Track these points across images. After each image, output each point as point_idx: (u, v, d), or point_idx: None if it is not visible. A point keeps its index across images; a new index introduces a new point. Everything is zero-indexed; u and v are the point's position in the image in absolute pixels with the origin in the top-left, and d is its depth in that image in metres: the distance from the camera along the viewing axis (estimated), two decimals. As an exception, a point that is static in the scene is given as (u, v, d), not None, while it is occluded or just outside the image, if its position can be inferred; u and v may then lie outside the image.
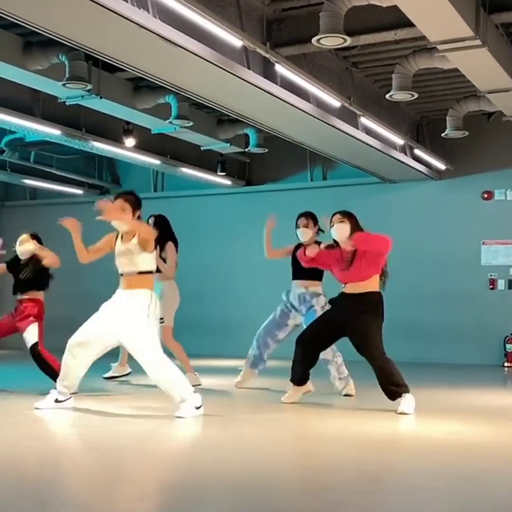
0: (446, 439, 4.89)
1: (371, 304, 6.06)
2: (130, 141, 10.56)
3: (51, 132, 9.73)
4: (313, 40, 6.49)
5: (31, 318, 6.89)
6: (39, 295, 7.10)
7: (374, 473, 3.83)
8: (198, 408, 5.54)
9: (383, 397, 5.96)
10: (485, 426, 5.47)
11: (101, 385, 7.73)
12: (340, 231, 6.14)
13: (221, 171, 12.36)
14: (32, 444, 4.58)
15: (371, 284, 6.11)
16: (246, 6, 6.97)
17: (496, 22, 7.16)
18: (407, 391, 5.90)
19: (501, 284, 11.56)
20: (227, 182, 12.89)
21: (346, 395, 6.97)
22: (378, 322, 6.10)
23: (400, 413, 5.76)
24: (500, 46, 7.38)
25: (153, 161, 11.65)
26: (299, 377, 6.36)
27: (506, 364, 11.12)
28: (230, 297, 12.89)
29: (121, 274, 5.78)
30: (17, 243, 7.15)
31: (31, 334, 6.86)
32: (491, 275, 11.61)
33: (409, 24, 6.57)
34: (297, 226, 7.16)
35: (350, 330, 6.02)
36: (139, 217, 5.81)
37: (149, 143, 11.19)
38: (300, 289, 7.20)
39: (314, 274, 7.04)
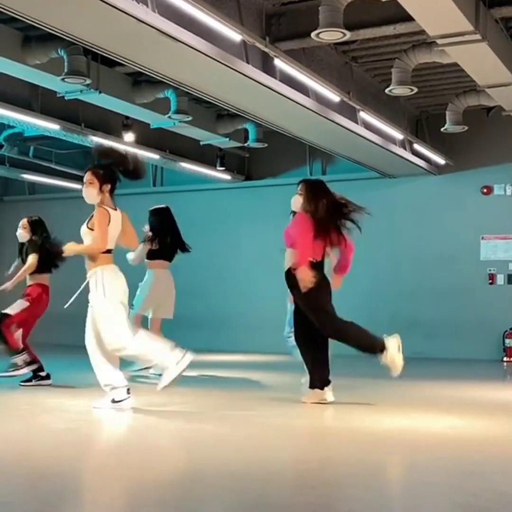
0: (445, 434, 4.90)
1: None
2: (129, 136, 10.55)
3: (50, 126, 9.71)
4: (313, 34, 6.48)
5: (27, 297, 6.99)
6: (42, 278, 7.09)
7: (374, 468, 3.84)
8: (117, 402, 5.50)
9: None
10: (484, 421, 5.48)
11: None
12: (294, 203, 6.24)
13: (221, 166, 12.35)
14: (35, 439, 4.59)
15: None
16: (245, 0, 6.96)
17: (496, 16, 7.15)
18: None
19: (500, 279, 11.56)
20: (227, 176, 12.88)
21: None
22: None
23: None
24: (499, 40, 7.37)
25: (153, 155, 11.63)
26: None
27: (505, 359, 11.13)
28: (229, 292, 12.89)
29: None
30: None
31: (13, 306, 6.94)
32: (490, 270, 11.61)
33: (409, 19, 6.56)
34: None
35: None
36: (112, 191, 5.65)
37: (148, 137, 11.17)
38: None
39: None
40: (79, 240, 5.70)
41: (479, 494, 3.30)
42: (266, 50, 7.06)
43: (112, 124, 10.59)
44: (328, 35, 6.52)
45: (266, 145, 11.25)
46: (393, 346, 5.78)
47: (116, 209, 5.66)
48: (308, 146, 11.78)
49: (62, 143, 11.57)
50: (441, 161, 11.70)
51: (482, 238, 11.67)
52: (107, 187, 5.60)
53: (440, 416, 5.63)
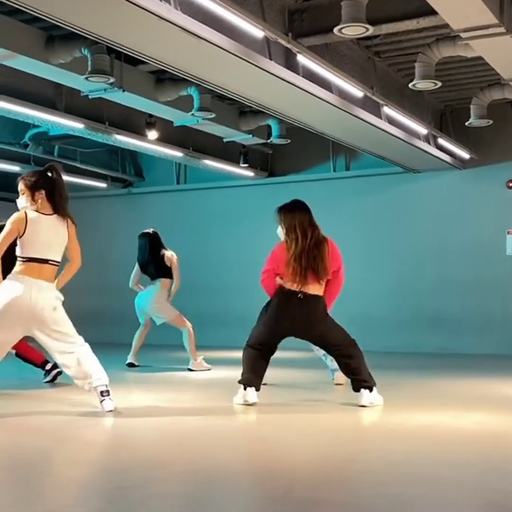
0: (470, 430, 4.87)
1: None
2: (152, 134, 10.59)
3: (74, 125, 9.78)
4: (335, 29, 6.46)
5: None
6: None
7: (399, 464, 3.83)
8: None
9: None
10: (510, 417, 5.44)
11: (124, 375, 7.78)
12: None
13: (244, 163, 12.36)
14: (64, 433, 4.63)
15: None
16: (267, -3, 6.95)
17: (521, 8, 7.07)
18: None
19: (526, 273, 11.46)
20: (250, 173, 12.89)
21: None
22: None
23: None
24: (524, 33, 7.29)
25: (176, 153, 11.67)
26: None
27: (532, 354, 11.04)
28: (253, 289, 12.88)
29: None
30: None
31: None
32: (516, 265, 11.51)
33: (432, 12, 6.51)
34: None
35: None
36: (48, 196, 5.26)
37: (172, 135, 11.21)
38: None
39: None
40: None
41: (505, 490, 3.28)
42: (288, 46, 7.05)
43: (135, 122, 10.64)
44: (351, 30, 6.49)
45: (289, 141, 11.23)
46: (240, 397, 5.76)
47: (53, 215, 5.28)
48: (331, 142, 11.75)
49: (87, 142, 11.64)
50: (465, 155, 11.62)
51: (508, 232, 11.57)
52: (41, 193, 5.26)
53: (466, 412, 5.59)
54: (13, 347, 6.87)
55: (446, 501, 3.15)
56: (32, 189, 5.27)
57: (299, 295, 5.76)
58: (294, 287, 5.77)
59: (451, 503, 3.12)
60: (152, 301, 8.77)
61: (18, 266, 5.17)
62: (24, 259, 5.16)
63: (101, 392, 5.25)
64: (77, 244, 5.44)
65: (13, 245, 6.30)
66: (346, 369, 5.88)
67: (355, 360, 5.80)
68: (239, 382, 5.83)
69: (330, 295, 5.98)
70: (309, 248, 5.81)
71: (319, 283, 5.82)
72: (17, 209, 5.31)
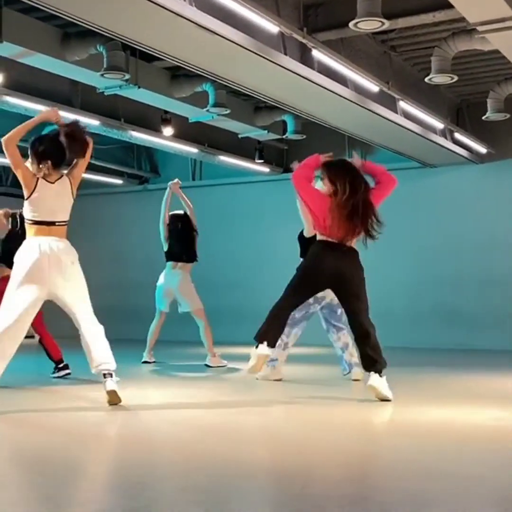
0: (488, 426, 4.84)
1: None
2: (168, 130, 10.61)
3: (90, 122, 9.80)
4: (351, 24, 6.44)
5: None
6: (7, 271, 6.60)
7: (416, 459, 3.81)
8: None
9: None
10: (529, 412, 5.41)
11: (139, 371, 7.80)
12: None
13: (259, 159, 12.36)
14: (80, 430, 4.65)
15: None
16: (282, -8, 6.94)
17: (538, 1, 7.01)
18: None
19: (544, 268, 11.38)
20: (265, 169, 12.88)
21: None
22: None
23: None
24: (542, 25, 7.22)
25: (191, 149, 11.68)
26: None
27: (550, 349, 10.97)
28: (269, 285, 12.88)
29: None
30: None
31: None
32: (534, 260, 11.44)
33: (448, 6, 6.47)
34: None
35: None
36: (55, 165, 5.26)
37: (187, 131, 11.22)
38: None
39: None
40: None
41: (525, 486, 3.26)
42: (303, 41, 7.04)
43: (151, 119, 10.66)
44: (366, 25, 6.47)
45: (304, 136, 11.21)
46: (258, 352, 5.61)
47: (59, 179, 5.29)
48: (347, 137, 11.72)
49: (102, 139, 11.67)
50: (482, 149, 11.55)
51: (526, 227, 11.50)
52: (47, 163, 5.23)
53: (484, 408, 5.56)
54: (38, 333, 6.97)
55: (464, 496, 3.13)
56: (39, 157, 5.26)
57: (343, 246, 5.63)
58: (337, 239, 5.62)
59: (469, 499, 3.11)
60: (186, 282, 8.71)
61: (29, 229, 5.28)
62: (31, 222, 5.25)
63: (104, 374, 5.24)
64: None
65: (13, 238, 6.39)
66: (364, 344, 5.66)
67: (374, 337, 5.66)
68: (254, 338, 5.64)
69: (380, 196, 5.87)
70: (357, 203, 5.59)
71: (356, 238, 5.71)
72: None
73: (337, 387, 6.72)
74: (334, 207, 5.59)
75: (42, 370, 7.44)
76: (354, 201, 5.59)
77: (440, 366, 8.69)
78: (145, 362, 8.75)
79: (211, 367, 8.41)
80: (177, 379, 7.57)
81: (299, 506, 2.94)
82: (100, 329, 5.32)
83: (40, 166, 5.25)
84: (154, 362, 8.78)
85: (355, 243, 5.78)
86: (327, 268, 5.67)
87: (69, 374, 7.03)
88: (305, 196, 5.91)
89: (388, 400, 5.59)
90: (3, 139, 5.23)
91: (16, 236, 6.63)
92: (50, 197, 5.28)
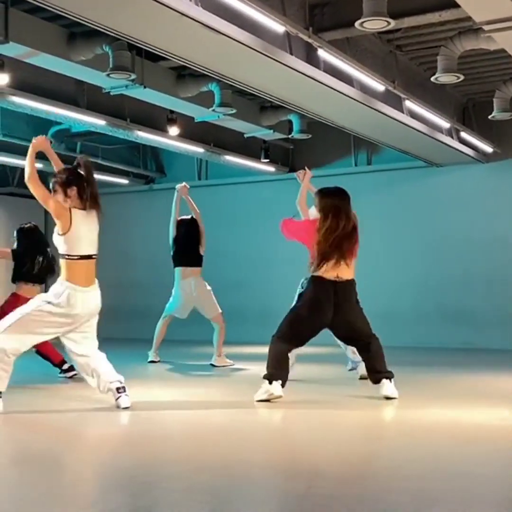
0: (494, 425, 4.84)
1: None
2: (174, 130, 10.61)
3: (96, 122, 9.82)
4: (356, 23, 6.42)
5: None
6: (16, 289, 6.97)
7: (422, 459, 3.81)
8: None
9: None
10: (535, 412, 5.40)
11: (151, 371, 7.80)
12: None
13: (265, 158, 12.35)
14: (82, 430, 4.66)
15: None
16: (288, -9, 6.94)
17: (544, 0, 6.99)
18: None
19: (551, 268, 11.35)
20: (271, 169, 12.87)
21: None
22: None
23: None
24: (548, 25, 7.20)
25: (197, 149, 11.68)
26: None
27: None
28: (274, 285, 12.89)
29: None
30: None
31: None
32: (541, 259, 11.41)
33: (454, 5, 6.45)
34: None
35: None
36: (80, 192, 5.31)
37: (193, 131, 11.22)
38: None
39: None
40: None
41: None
42: (309, 40, 7.03)
43: (157, 119, 10.66)
44: (372, 24, 6.45)
45: (310, 136, 11.20)
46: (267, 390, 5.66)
47: (84, 210, 5.32)
48: (352, 136, 11.71)
49: (108, 139, 11.69)
50: (488, 149, 11.52)
51: (532, 226, 11.47)
52: (73, 190, 5.31)
53: (490, 408, 5.56)
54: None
55: (469, 496, 3.13)
56: (65, 186, 5.31)
57: (337, 283, 5.69)
58: (330, 273, 5.70)
59: (475, 499, 3.11)
60: (202, 289, 8.70)
61: (66, 269, 5.23)
62: (73, 257, 5.22)
63: (117, 389, 5.24)
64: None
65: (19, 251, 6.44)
66: (368, 360, 5.86)
67: (379, 351, 5.79)
68: (264, 377, 5.69)
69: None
70: (346, 233, 5.74)
71: (351, 266, 5.78)
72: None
73: (342, 387, 6.72)
74: (322, 238, 5.76)
75: (47, 370, 7.45)
76: (344, 232, 5.76)
77: (446, 366, 8.68)
78: (152, 361, 8.76)
79: (216, 366, 8.42)
80: (183, 379, 7.58)
81: (304, 505, 2.95)
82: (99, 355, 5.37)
83: (67, 194, 5.28)
84: (159, 361, 8.80)
85: (352, 266, 5.82)
86: (325, 320, 5.75)
87: (76, 374, 7.01)
88: (298, 239, 6.18)
89: (394, 398, 5.64)
90: (26, 181, 5.30)
91: (18, 254, 6.82)
92: (83, 224, 5.27)
